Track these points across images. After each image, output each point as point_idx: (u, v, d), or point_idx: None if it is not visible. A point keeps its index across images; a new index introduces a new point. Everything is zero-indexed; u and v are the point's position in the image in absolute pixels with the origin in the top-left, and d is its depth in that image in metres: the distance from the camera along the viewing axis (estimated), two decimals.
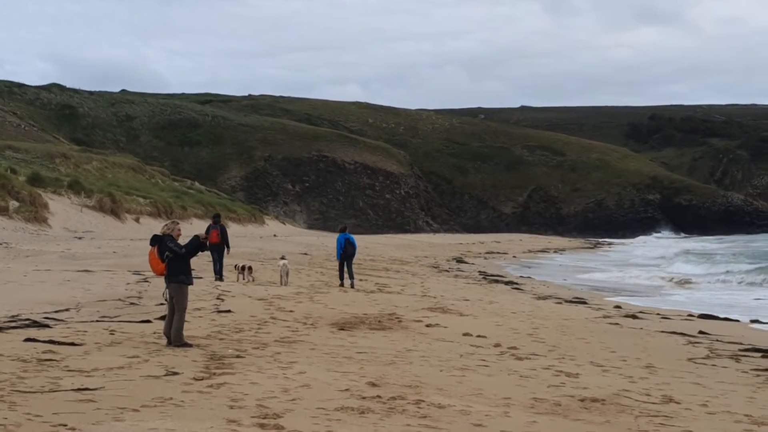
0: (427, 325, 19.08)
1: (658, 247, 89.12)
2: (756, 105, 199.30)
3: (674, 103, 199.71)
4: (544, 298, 30.29)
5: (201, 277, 28.36)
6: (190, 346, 14.37)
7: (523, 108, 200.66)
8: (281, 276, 28.78)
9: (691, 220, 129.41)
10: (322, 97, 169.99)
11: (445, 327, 19.00)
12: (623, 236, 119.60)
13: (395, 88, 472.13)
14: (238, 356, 13.60)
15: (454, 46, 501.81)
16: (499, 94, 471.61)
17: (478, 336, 17.81)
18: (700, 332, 21.18)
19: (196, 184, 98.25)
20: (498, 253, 69.92)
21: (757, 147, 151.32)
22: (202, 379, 11.46)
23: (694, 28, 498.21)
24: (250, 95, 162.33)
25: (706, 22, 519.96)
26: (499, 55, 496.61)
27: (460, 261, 55.49)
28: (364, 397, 10.65)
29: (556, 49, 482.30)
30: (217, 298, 22.35)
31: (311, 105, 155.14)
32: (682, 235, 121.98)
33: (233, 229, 66.36)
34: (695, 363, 16.06)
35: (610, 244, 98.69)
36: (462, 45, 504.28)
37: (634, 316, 24.32)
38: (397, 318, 20.00)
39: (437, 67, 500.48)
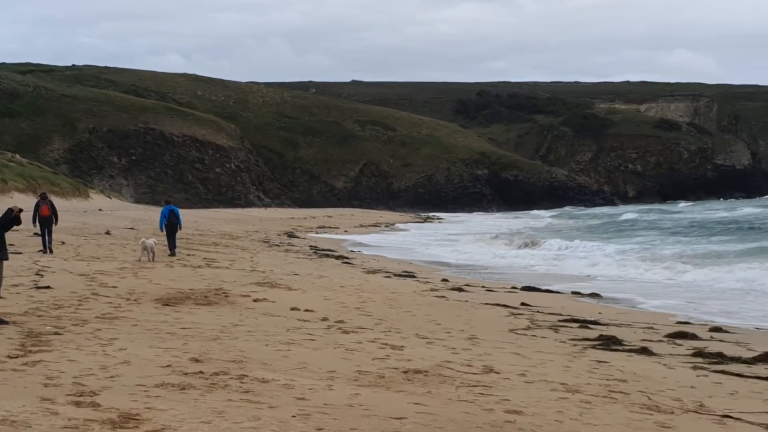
0: (255, 300, 18.95)
1: (487, 222, 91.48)
2: (578, 82, 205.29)
3: (499, 79, 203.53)
4: (374, 272, 30.52)
5: (20, 252, 27.41)
6: (6, 323, 13.84)
7: (354, 82, 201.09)
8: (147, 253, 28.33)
9: (518, 195, 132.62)
10: (143, 68, 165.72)
11: (273, 302, 18.91)
12: (453, 211, 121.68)
13: (218, 60, 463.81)
14: (56, 333, 13.17)
15: (277, 18, 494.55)
16: (328, 68, 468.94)
17: (306, 310, 17.79)
18: (523, 304, 21.77)
19: (17, 156, 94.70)
20: (330, 227, 70.10)
21: (580, 124, 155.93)
22: (16, 357, 11.05)
23: (514, 5, 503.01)
24: (74, 65, 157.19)
25: None
26: (323, 27, 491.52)
27: (291, 236, 55.37)
28: (185, 374, 10.47)
29: (381, 23, 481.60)
30: (37, 274, 21.63)
31: (137, 76, 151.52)
32: (509, 209, 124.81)
33: (56, 204, 64.29)
34: (516, 334, 16.47)
35: (440, 219, 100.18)
36: (284, 16, 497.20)
37: (460, 289, 24.77)
38: (224, 293, 19.79)
39: (260, 39, 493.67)
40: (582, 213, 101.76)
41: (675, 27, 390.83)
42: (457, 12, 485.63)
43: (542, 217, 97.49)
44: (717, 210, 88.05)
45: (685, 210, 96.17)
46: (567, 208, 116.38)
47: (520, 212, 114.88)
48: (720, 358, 14.35)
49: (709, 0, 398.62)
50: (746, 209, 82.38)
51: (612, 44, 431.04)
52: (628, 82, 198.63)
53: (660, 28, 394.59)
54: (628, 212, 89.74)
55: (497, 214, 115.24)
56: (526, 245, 47.39)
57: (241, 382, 10.14)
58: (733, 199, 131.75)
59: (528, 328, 17.45)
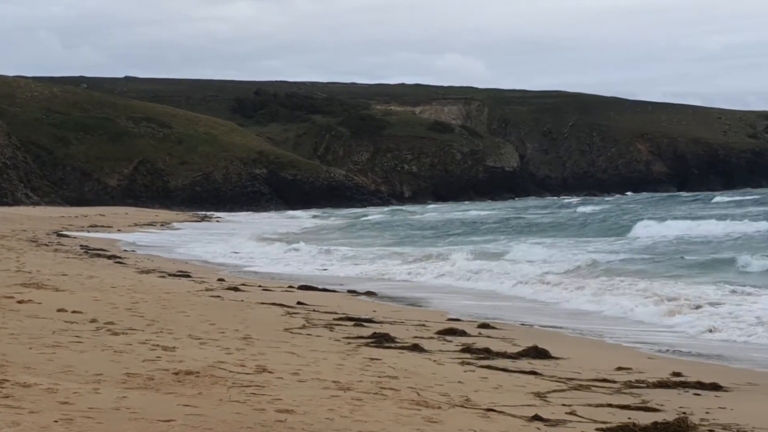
0: (19, 302, 18.16)
1: (264, 222, 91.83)
2: (355, 84, 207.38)
3: (277, 78, 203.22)
4: (148, 272, 29.93)
5: None
6: None
7: (127, 78, 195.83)
8: None
9: (297, 195, 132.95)
10: None
11: (39, 303, 18.19)
12: (231, 210, 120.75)
13: None
14: None
15: (45, 10, 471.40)
16: (99, 64, 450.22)
17: (74, 312, 17.20)
18: (299, 303, 21.83)
19: None
20: (103, 226, 68.25)
21: (357, 125, 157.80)
22: None
23: (287, 4, 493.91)
24: None
25: None
26: (93, 21, 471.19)
27: (61, 235, 53.59)
28: None
29: (154, 19, 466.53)
30: None
31: None
32: (289, 208, 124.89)
33: None
34: (291, 333, 16.49)
35: (218, 218, 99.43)
36: (52, 9, 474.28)
37: (236, 289, 24.62)
38: None
39: (27, 32, 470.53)
40: (341, 213, 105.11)
41: (446, 31, 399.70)
42: (231, 9, 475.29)
43: (301, 217, 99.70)
44: (452, 212, 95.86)
45: (430, 211, 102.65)
46: (328, 209, 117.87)
47: (291, 211, 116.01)
48: (487, 353, 14.83)
49: (479, 6, 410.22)
50: (473, 212, 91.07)
51: (386, 46, 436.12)
52: (403, 84, 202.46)
53: (432, 32, 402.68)
54: (374, 214, 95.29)
55: (270, 214, 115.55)
56: (295, 245, 47.34)
57: (1, 387, 9.69)
58: (501, 200, 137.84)
59: (303, 327, 17.51)
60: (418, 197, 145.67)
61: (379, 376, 12.10)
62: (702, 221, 50.97)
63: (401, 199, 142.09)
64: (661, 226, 48.46)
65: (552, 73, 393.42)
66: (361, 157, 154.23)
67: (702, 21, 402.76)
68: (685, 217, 56.80)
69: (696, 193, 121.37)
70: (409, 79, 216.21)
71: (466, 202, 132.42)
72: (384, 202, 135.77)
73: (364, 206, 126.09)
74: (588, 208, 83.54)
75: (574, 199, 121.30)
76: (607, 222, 60.14)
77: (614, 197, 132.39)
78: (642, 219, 53.60)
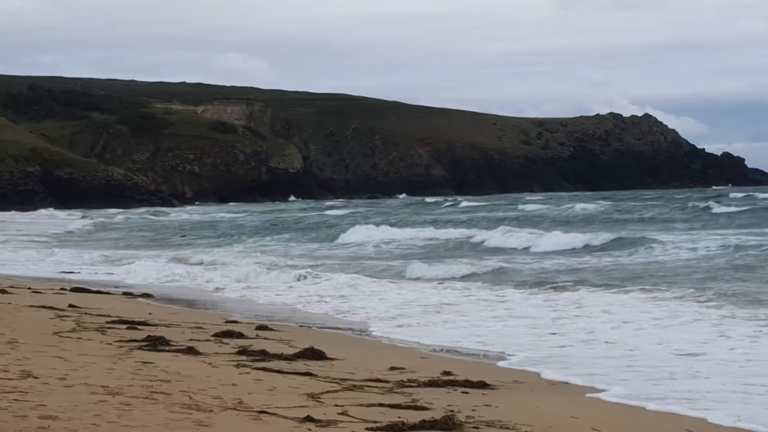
0: None
1: (35, 223, 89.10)
2: (135, 81, 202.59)
3: (53, 74, 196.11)
4: None
5: None
6: None
7: None
8: None
9: (73, 194, 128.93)
10: None
11: None
12: (2, 209, 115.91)
13: None
14: None
15: None
16: None
17: None
18: (70, 306, 21.18)
19: None
20: None
21: (137, 123, 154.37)
22: None
23: None
24: None
25: None
26: None
27: None
28: None
29: None
30: None
31: None
32: (64, 208, 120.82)
33: None
34: (61, 337, 15.97)
35: None
36: None
37: (3, 291, 23.67)
38: None
39: None
40: (105, 213, 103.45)
41: (228, 30, 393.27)
42: (1, 2, 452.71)
43: (61, 217, 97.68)
44: (207, 214, 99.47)
45: (187, 212, 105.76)
46: (100, 209, 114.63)
47: (58, 212, 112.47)
48: (263, 355, 14.79)
49: (261, 6, 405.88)
50: (221, 214, 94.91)
51: (167, 44, 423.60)
52: (184, 83, 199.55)
53: (214, 30, 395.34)
54: (133, 215, 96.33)
55: (38, 213, 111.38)
56: (56, 248, 45.76)
57: None
58: (284, 202, 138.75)
59: (74, 330, 17.01)
60: (201, 198, 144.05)
61: (151, 380, 11.88)
62: (417, 228, 54.01)
63: (183, 200, 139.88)
64: (375, 230, 50.25)
65: (334, 76, 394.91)
66: (140, 156, 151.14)
67: (478, 28, 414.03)
68: (405, 224, 60.30)
69: (467, 196, 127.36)
70: (191, 78, 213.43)
71: (234, 203, 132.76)
72: (165, 202, 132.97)
73: (144, 206, 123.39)
74: (342, 212, 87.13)
75: (338, 202, 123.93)
76: (326, 224, 63.16)
77: (390, 200, 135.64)
78: (354, 225, 55.11)
